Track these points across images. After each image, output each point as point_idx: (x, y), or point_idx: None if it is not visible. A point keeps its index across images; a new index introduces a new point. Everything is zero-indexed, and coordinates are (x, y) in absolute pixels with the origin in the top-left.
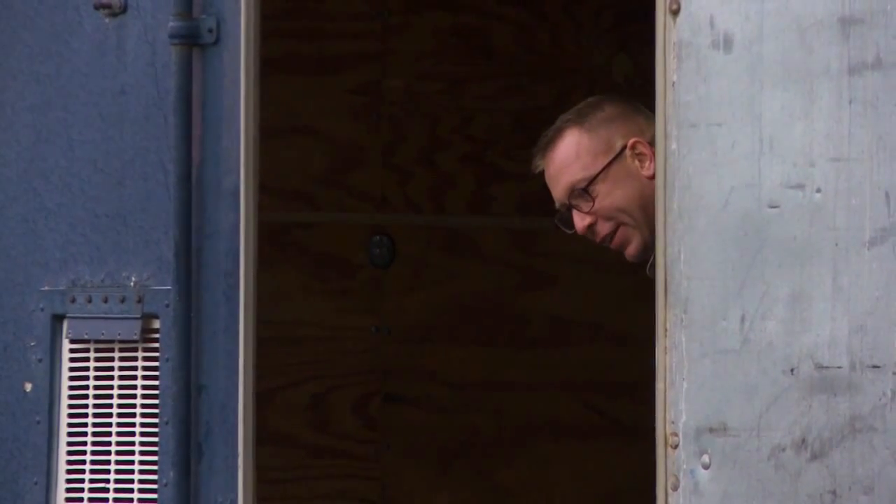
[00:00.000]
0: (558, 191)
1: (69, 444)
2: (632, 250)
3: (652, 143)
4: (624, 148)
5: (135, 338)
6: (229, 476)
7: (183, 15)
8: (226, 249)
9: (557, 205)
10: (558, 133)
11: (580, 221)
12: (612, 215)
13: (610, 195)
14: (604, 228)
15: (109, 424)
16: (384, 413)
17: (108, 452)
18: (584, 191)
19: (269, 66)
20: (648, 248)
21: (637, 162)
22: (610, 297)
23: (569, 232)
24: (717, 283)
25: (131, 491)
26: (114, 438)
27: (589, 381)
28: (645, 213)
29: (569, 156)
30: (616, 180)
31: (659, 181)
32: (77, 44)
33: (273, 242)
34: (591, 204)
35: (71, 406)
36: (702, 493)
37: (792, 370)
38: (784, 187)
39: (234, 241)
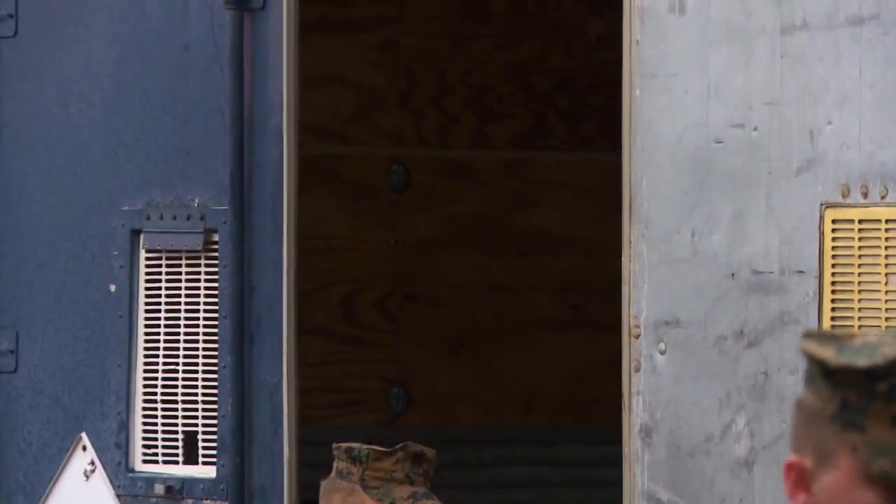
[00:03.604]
0: None
1: (146, 334)
2: None
3: None
4: None
5: (198, 248)
6: (276, 360)
7: None
8: (272, 177)
9: None
10: None
11: None
12: None
13: None
14: None
15: (178, 318)
16: (401, 309)
17: (178, 341)
18: None
19: (307, 27)
20: None
21: None
22: (586, 215)
23: None
24: (673, 205)
25: (196, 372)
26: (182, 330)
27: (568, 284)
28: None
29: None
30: None
31: (625, 122)
32: (149, 8)
33: (310, 171)
34: None
35: (147, 304)
36: (659, 374)
37: (733, 275)
38: (727, 126)
39: (279, 171)
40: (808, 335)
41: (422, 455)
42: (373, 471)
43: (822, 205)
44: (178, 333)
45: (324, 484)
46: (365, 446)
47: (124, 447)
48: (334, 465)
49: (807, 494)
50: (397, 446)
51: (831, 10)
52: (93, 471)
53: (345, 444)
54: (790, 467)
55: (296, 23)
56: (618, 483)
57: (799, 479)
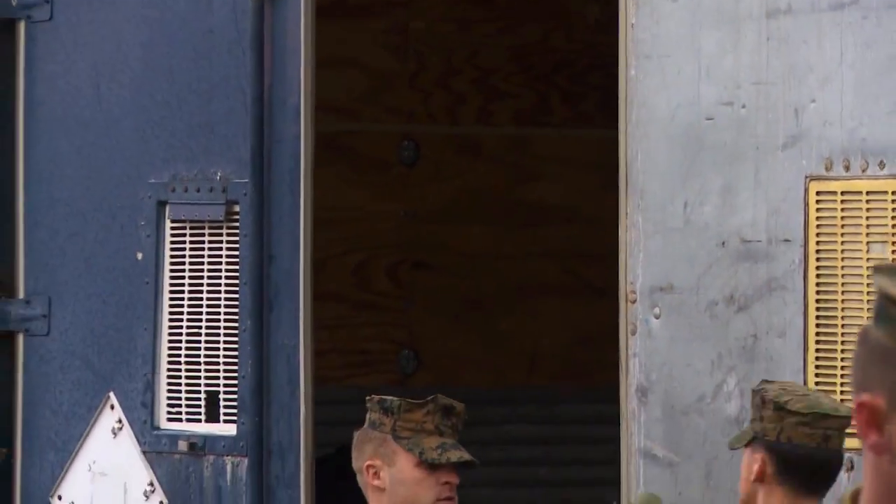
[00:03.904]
0: None
1: (170, 300)
2: None
3: (384, 458)
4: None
5: (220, 219)
6: (293, 325)
7: None
8: (290, 152)
9: None
10: None
11: None
12: None
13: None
14: None
15: (201, 285)
16: (411, 276)
17: (200, 306)
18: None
19: (322, 12)
20: None
21: (373, 478)
22: (584, 187)
23: None
24: (666, 177)
25: (218, 336)
26: (204, 295)
27: (568, 252)
28: None
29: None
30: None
31: (621, 100)
32: None
33: (325, 147)
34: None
35: (172, 271)
36: (654, 337)
37: (723, 243)
38: (717, 104)
39: (296, 146)
40: (880, 270)
41: (451, 408)
42: (404, 422)
43: (806, 178)
44: (200, 299)
45: (357, 434)
46: (397, 398)
47: (150, 406)
48: (367, 416)
49: (878, 434)
50: (428, 399)
51: None
52: (120, 428)
53: (377, 396)
54: (861, 406)
55: (313, 8)
56: (615, 440)
57: (871, 418)
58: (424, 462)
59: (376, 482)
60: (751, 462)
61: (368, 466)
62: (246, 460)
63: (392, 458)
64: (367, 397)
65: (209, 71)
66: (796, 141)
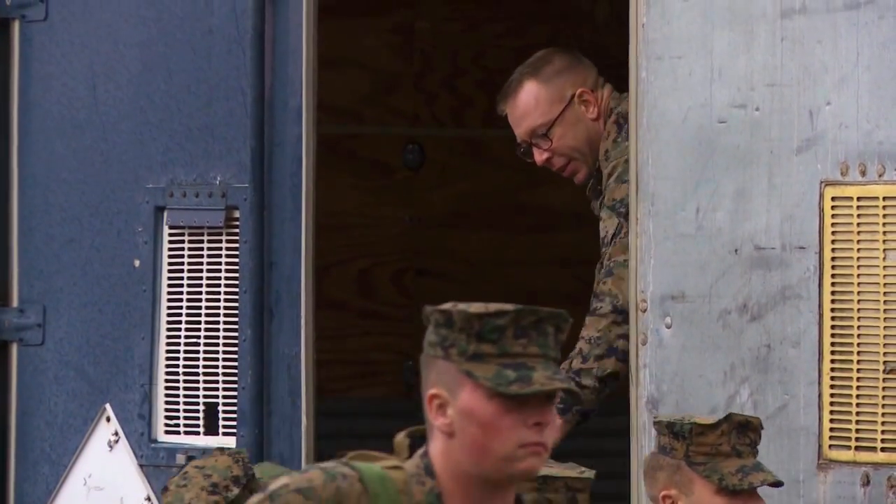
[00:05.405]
0: (521, 132)
1: (168, 308)
2: (580, 178)
3: (593, 89)
4: (573, 97)
5: (220, 225)
6: (294, 334)
7: None
8: (291, 155)
9: (519, 140)
10: (518, 84)
11: (539, 156)
12: (565, 153)
13: (564, 137)
14: (558, 162)
15: (200, 293)
16: (416, 284)
17: (199, 315)
18: (543, 134)
19: (325, 11)
20: (592, 175)
21: (583, 107)
22: None
23: (528, 161)
24: (678, 182)
25: (217, 345)
26: (203, 304)
27: (576, 258)
28: (590, 148)
29: (529, 104)
30: (568, 124)
31: (631, 102)
32: None
33: (328, 150)
34: (550, 143)
35: (170, 279)
36: (665, 346)
37: (736, 250)
38: (730, 107)
39: (298, 149)
40: None
41: (747, 424)
42: (697, 445)
43: (821, 182)
44: (199, 307)
45: (647, 460)
46: (687, 420)
47: (147, 418)
48: (656, 439)
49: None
50: (721, 418)
51: None
52: (116, 441)
53: (666, 419)
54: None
55: (315, 7)
56: (625, 454)
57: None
58: (725, 489)
59: None
60: None
61: (665, 497)
62: None
63: (689, 486)
64: (654, 419)
65: (208, 72)
66: (811, 144)
